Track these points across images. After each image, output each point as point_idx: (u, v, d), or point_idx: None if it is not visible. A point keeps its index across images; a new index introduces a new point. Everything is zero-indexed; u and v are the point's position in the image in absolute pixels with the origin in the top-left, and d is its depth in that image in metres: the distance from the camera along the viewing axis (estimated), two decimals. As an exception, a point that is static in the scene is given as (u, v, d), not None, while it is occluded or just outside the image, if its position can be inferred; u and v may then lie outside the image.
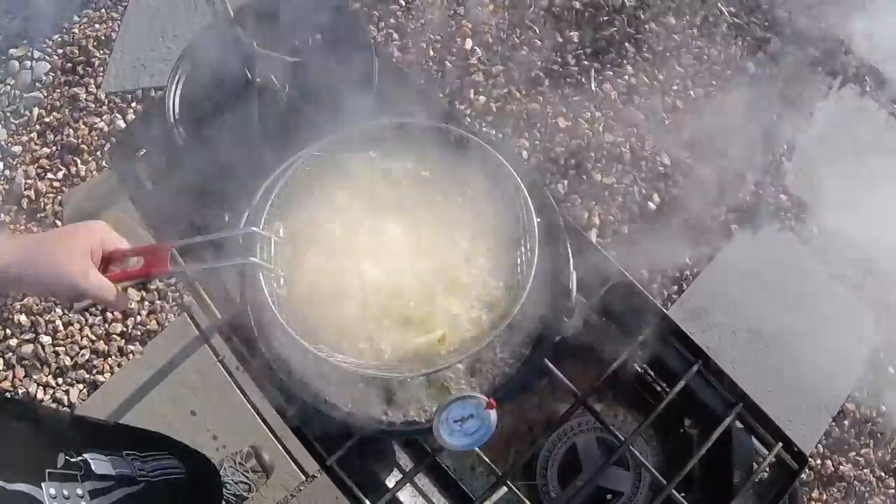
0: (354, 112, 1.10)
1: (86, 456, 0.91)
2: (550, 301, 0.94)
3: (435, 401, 0.92)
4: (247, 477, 1.78)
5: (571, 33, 2.31)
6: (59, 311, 2.12)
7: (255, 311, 0.98)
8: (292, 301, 0.95)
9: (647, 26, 2.32)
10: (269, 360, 0.95)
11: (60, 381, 2.05)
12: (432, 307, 0.92)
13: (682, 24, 2.34)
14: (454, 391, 0.91)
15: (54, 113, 2.43)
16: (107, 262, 0.86)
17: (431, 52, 2.31)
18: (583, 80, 2.26)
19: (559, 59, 2.29)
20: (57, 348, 2.07)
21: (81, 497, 0.85)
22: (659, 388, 1.29)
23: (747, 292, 2.04)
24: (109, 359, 2.06)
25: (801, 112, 2.23)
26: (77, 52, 2.52)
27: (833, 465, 1.88)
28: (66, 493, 0.83)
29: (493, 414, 0.86)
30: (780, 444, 1.01)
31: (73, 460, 0.88)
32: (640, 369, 1.31)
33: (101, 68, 2.49)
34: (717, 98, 2.21)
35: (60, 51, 2.53)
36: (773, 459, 1.00)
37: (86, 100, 2.43)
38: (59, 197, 2.30)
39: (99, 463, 0.93)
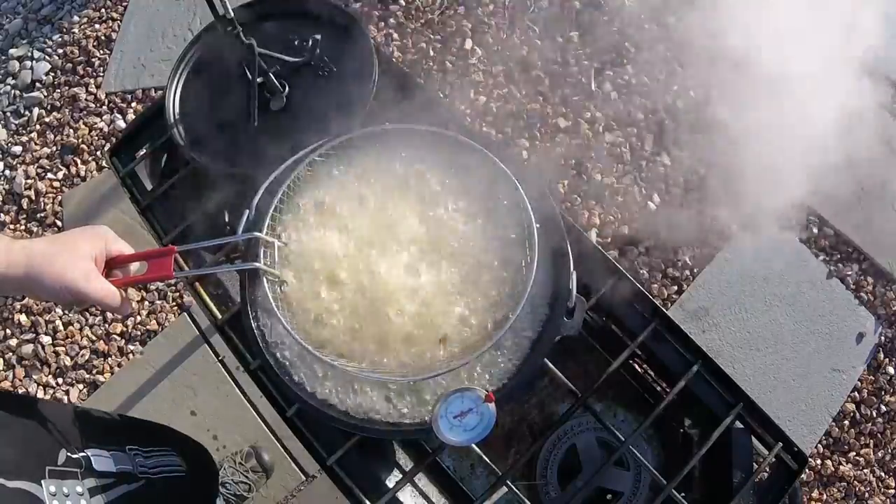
0: (354, 113, 1.10)
1: (87, 452, 0.91)
2: (550, 301, 0.94)
3: (435, 400, 0.92)
4: (247, 477, 1.78)
5: (571, 33, 2.31)
6: (59, 311, 2.13)
7: (256, 313, 0.98)
8: (295, 304, 0.95)
9: (646, 26, 2.32)
10: (270, 360, 0.95)
11: (60, 381, 2.05)
12: (434, 309, 0.92)
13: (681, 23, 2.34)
14: (453, 386, 0.91)
15: (54, 113, 2.43)
16: (110, 267, 0.86)
17: (431, 52, 2.31)
18: (583, 79, 2.25)
19: (559, 59, 2.28)
20: (57, 348, 2.07)
21: (81, 495, 0.85)
22: (659, 388, 1.29)
23: (747, 292, 2.04)
24: (109, 359, 2.06)
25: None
26: (77, 52, 2.52)
27: (833, 465, 1.88)
28: (65, 490, 0.83)
29: (491, 407, 0.85)
30: (780, 444, 1.01)
31: (74, 457, 0.88)
32: (640, 369, 1.31)
33: (101, 68, 2.49)
34: (717, 98, 2.21)
35: (60, 51, 2.53)
36: (773, 459, 1.00)
37: (86, 100, 2.43)
38: (59, 197, 2.30)
39: (100, 459, 0.93)
